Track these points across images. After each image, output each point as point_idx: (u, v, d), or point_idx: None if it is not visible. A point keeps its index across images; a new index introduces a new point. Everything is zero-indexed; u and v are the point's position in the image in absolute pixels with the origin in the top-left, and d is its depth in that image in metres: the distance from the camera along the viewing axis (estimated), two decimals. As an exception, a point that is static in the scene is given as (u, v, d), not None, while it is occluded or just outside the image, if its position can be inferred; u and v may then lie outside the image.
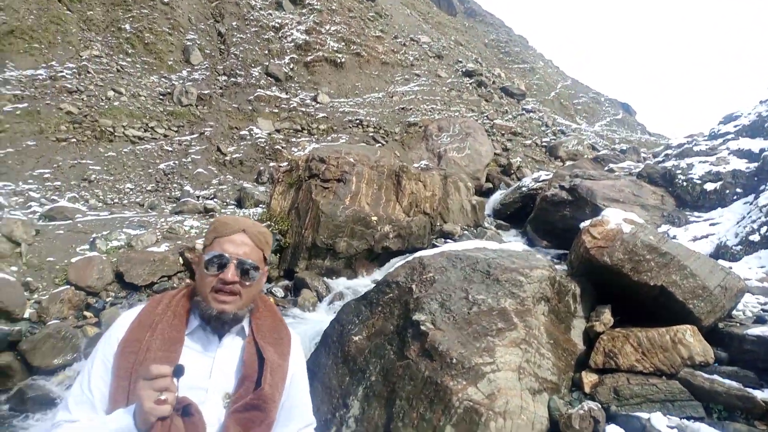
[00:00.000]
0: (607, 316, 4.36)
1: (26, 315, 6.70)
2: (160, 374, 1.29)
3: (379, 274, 8.31)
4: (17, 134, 12.10)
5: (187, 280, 7.96)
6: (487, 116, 18.38)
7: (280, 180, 9.43)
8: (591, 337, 4.32)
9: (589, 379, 4.12)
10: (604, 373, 4.14)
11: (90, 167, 12.03)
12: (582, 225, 4.72)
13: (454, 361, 3.51)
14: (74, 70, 14.42)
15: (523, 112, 20.03)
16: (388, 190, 8.76)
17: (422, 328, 3.65)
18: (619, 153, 13.95)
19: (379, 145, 14.44)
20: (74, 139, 12.50)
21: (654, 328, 4.12)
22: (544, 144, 17.17)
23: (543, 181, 10.46)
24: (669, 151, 10.11)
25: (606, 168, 9.84)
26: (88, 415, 1.40)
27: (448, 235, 9.16)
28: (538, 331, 3.88)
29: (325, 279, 8.32)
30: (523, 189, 10.87)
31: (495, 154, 14.90)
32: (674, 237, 7.33)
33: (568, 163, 13.91)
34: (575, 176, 8.25)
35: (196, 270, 1.57)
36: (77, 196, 11.14)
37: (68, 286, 7.13)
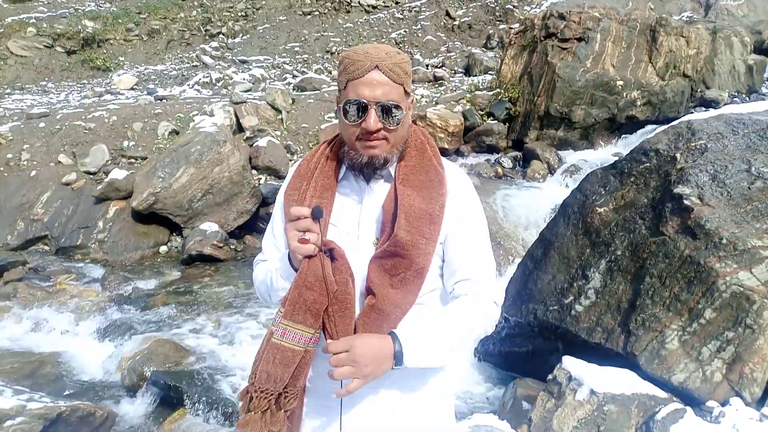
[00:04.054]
0: None
1: (289, 173, 7.74)
2: (300, 215, 1.31)
3: (620, 147, 7.56)
4: (271, 10, 13.34)
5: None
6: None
7: (511, 43, 8.85)
8: None
9: None
10: None
11: (331, 39, 12.82)
12: None
13: (724, 241, 3.04)
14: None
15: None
16: (639, 48, 7.60)
17: (686, 202, 3.19)
18: None
19: (630, -4, 12.44)
20: (317, 12, 13.33)
21: None
22: None
23: None
24: None
25: None
26: (274, 255, 1.53)
27: (710, 103, 7.78)
28: None
29: (557, 151, 7.88)
30: (826, 42, 8.52)
31: (788, -3, 11.72)
32: None
33: None
34: None
35: (338, 115, 1.46)
36: (321, 68, 12.07)
37: (320, 149, 7.96)
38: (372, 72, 1.34)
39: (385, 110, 1.35)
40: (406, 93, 1.41)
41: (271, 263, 1.51)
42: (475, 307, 1.40)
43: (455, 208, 1.46)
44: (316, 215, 1.32)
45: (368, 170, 1.43)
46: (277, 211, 1.56)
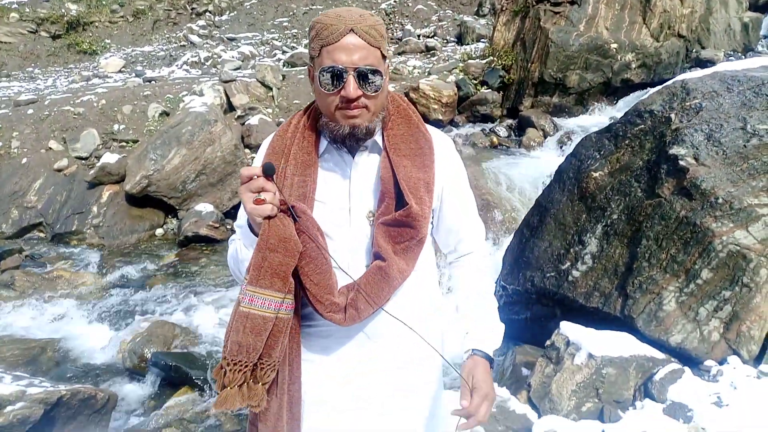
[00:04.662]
0: None
1: (282, 150, 7.67)
2: (251, 174, 1.23)
3: (615, 111, 7.48)
4: (257, -15, 13.06)
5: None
6: None
7: (503, 9, 8.69)
8: None
9: None
10: None
11: (320, 12, 12.53)
12: None
13: (720, 201, 3.01)
14: None
15: None
16: (632, 9, 7.46)
17: (681, 163, 3.15)
18: None
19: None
20: (305, -15, 13.06)
21: None
22: None
23: None
24: None
25: None
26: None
27: (706, 63, 7.67)
28: (841, 170, 3.08)
29: (552, 117, 7.80)
30: (823, -4, 8.37)
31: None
32: None
33: None
34: None
35: (312, 85, 1.36)
36: (311, 43, 11.87)
37: (312, 125, 7.87)
38: (347, 36, 1.26)
39: (363, 76, 1.28)
40: (383, 57, 1.34)
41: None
42: (482, 275, 1.53)
43: (446, 177, 1.46)
44: (268, 172, 1.24)
45: (351, 142, 1.37)
46: None
